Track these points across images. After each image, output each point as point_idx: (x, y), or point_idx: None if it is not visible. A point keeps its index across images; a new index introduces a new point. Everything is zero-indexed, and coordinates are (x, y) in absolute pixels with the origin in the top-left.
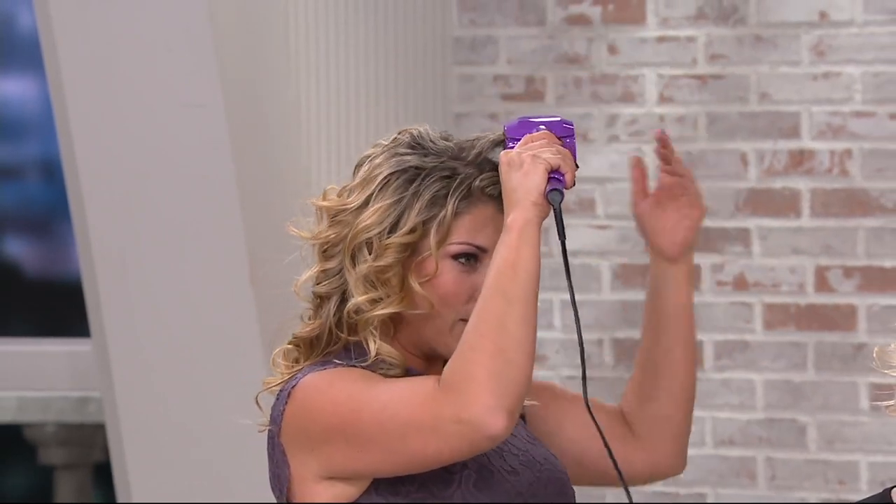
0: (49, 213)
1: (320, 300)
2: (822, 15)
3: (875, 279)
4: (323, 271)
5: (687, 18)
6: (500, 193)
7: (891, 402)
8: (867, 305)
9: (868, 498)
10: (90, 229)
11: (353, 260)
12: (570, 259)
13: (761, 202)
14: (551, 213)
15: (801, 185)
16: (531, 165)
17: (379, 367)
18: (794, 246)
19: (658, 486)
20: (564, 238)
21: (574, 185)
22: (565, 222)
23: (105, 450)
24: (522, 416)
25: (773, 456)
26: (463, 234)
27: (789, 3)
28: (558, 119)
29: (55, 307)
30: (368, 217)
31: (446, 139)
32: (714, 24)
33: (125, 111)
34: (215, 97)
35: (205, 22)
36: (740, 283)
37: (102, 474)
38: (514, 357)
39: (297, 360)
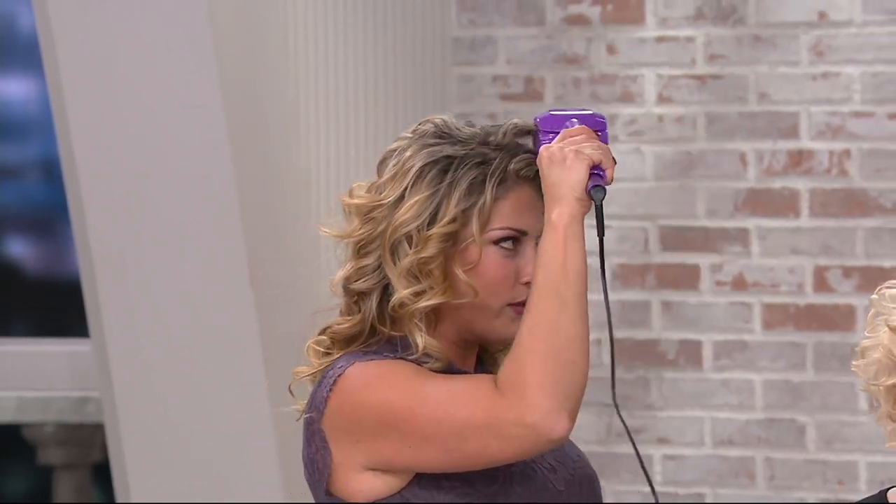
0: (50, 213)
1: (358, 296)
2: (822, 15)
3: (874, 279)
4: (360, 268)
5: (686, 18)
6: (535, 174)
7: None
8: (866, 305)
9: (865, 498)
10: (89, 230)
11: (394, 255)
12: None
13: (760, 202)
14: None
15: (801, 185)
16: (574, 161)
17: (423, 361)
18: (793, 246)
19: (657, 486)
20: (603, 235)
21: (613, 180)
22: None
23: (104, 450)
24: None
25: (772, 456)
26: (503, 219)
27: (788, 4)
28: (590, 113)
29: (56, 307)
30: (406, 211)
31: (471, 126)
32: (713, 25)
33: (125, 111)
34: (215, 98)
35: (204, 22)
36: (739, 284)
37: (101, 474)
38: (571, 357)
39: (329, 352)
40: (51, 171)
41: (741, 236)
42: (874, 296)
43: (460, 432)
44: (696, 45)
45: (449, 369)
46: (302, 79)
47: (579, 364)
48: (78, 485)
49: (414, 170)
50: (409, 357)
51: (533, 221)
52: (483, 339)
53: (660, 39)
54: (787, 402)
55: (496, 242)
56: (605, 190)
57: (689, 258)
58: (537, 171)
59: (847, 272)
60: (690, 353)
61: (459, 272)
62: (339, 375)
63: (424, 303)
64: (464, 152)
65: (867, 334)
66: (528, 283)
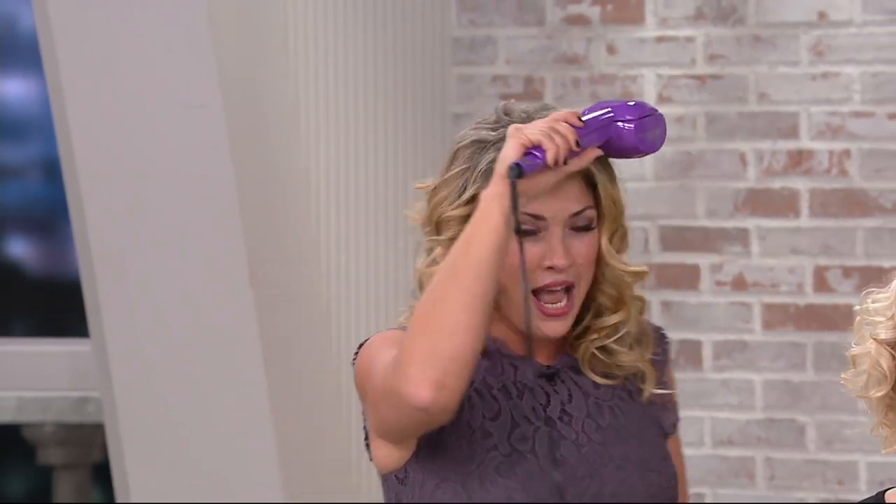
0: (51, 213)
1: (422, 280)
2: (821, 15)
3: (874, 279)
4: (425, 251)
5: (686, 18)
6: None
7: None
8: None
9: (864, 499)
10: (89, 230)
11: (439, 234)
12: None
13: (760, 202)
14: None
15: (800, 185)
16: (510, 139)
17: None
18: (793, 246)
19: None
20: (517, 211)
21: (563, 164)
22: None
23: (104, 450)
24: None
25: (771, 456)
26: (521, 204)
27: (788, 4)
28: (631, 103)
29: (57, 307)
30: (440, 192)
31: (525, 111)
32: (713, 25)
33: (124, 112)
34: (214, 98)
35: (204, 23)
36: (739, 284)
37: (101, 474)
38: (443, 327)
39: None
40: (52, 172)
41: (741, 236)
42: (857, 306)
43: (376, 398)
44: (696, 45)
45: (496, 351)
46: (302, 79)
47: (454, 335)
48: (78, 485)
49: (452, 152)
50: None
51: (552, 206)
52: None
53: (660, 39)
54: (787, 402)
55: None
56: (520, 168)
57: (689, 258)
58: None
59: (847, 272)
60: (690, 353)
61: None
62: (363, 342)
63: None
64: (495, 137)
65: (854, 343)
66: (550, 268)
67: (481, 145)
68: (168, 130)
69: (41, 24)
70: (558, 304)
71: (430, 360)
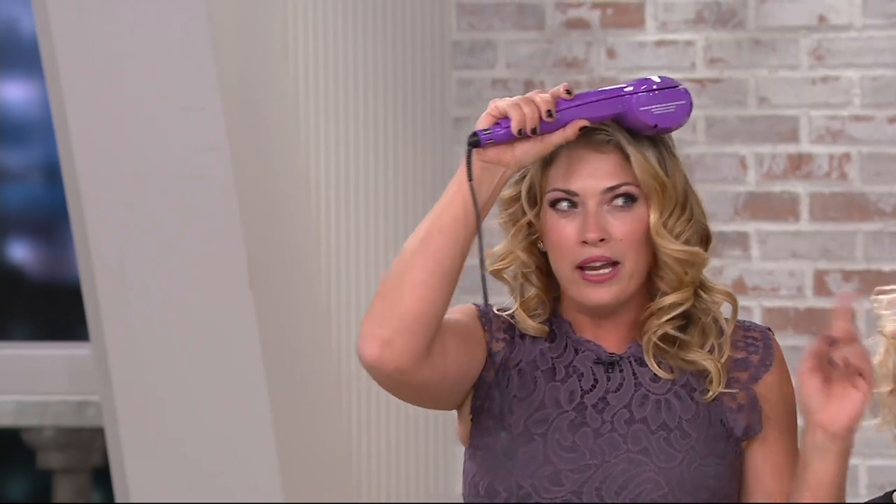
0: (51, 216)
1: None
2: (821, 19)
3: (874, 283)
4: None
5: (686, 22)
6: (588, 134)
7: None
8: (866, 309)
9: (872, 499)
10: (89, 233)
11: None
12: None
13: (760, 206)
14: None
15: (800, 188)
16: (486, 111)
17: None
18: (792, 250)
19: None
20: (472, 181)
21: (523, 133)
22: None
23: (104, 454)
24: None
25: None
26: (555, 181)
27: (788, 8)
28: (657, 78)
29: (58, 311)
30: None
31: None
32: (713, 28)
33: (124, 115)
34: (214, 100)
35: (204, 26)
36: (739, 287)
37: (101, 478)
38: (396, 287)
39: None
40: (54, 175)
41: (741, 240)
42: (871, 298)
43: None
44: (696, 48)
45: (563, 333)
46: (301, 82)
47: (402, 294)
48: (78, 489)
49: None
50: (499, 309)
51: (585, 182)
52: (579, 305)
53: (659, 43)
54: None
55: (552, 205)
56: (477, 136)
57: None
58: (590, 129)
59: (847, 276)
60: None
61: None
62: None
63: (497, 265)
64: None
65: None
66: (585, 243)
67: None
68: (168, 133)
69: (41, 28)
70: (602, 272)
71: (380, 319)
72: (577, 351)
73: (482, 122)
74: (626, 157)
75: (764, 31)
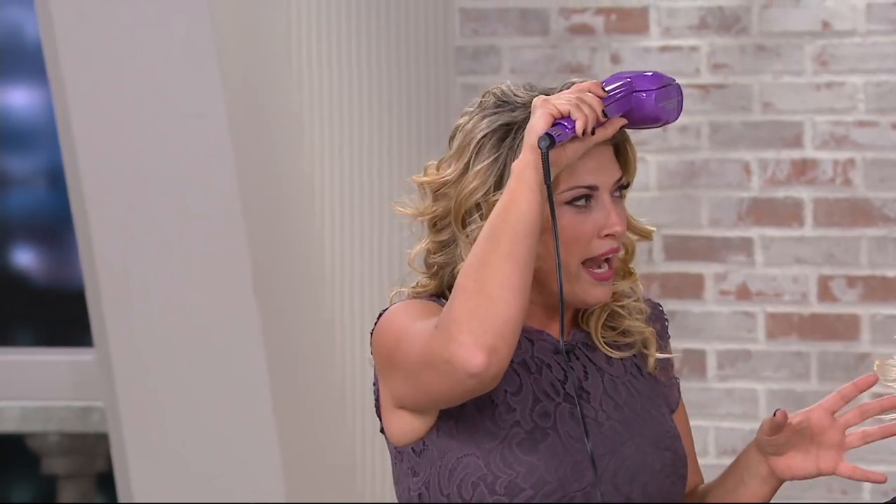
0: (55, 222)
1: (437, 268)
2: (825, 25)
3: (878, 289)
4: (437, 242)
5: (689, 28)
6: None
7: (893, 416)
8: (870, 315)
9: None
10: (93, 239)
11: (465, 226)
12: None
13: (764, 211)
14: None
15: (804, 194)
16: (538, 109)
17: None
18: (796, 255)
19: None
20: (550, 182)
21: (591, 133)
22: None
23: (108, 459)
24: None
25: None
26: (570, 178)
27: (792, 13)
28: (649, 73)
29: (62, 316)
30: (471, 181)
31: (530, 90)
32: (717, 34)
33: (128, 121)
34: (218, 107)
35: (207, 32)
36: (743, 293)
37: (105, 484)
38: (493, 292)
39: None
40: (57, 181)
41: (745, 245)
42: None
43: (415, 368)
44: (700, 54)
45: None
46: (305, 88)
47: (503, 299)
48: (82, 495)
49: (474, 142)
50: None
51: (601, 175)
52: (567, 303)
53: (663, 49)
54: (791, 411)
55: (569, 203)
56: (551, 138)
57: (693, 267)
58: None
59: (851, 282)
60: (694, 363)
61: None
62: (381, 312)
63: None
64: (522, 117)
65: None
66: (608, 236)
67: (509, 128)
68: (171, 139)
69: (45, 34)
70: (603, 269)
71: (483, 326)
72: (532, 342)
73: (541, 123)
74: (615, 149)
75: (768, 36)
